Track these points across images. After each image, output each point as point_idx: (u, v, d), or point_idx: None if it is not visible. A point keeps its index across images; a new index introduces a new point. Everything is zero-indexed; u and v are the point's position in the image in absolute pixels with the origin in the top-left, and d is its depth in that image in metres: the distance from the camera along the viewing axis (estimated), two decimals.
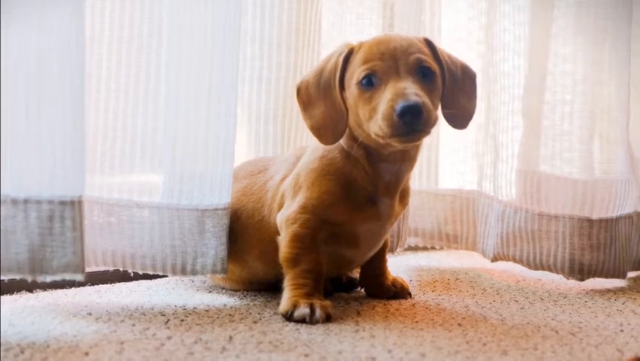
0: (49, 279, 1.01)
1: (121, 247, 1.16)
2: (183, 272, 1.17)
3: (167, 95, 1.16)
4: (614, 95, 1.45)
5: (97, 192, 1.15)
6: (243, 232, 1.20)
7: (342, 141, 1.14)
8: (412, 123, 1.01)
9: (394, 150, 1.11)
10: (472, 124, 1.60)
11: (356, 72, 1.08)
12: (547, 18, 1.46)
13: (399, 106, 1.00)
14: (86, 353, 0.89)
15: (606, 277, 1.42)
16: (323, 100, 1.12)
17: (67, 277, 1.01)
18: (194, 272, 1.17)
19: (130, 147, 1.18)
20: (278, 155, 1.33)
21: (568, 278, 1.42)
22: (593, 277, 1.41)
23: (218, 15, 1.15)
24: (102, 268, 1.25)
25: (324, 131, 1.12)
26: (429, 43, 1.13)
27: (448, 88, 1.13)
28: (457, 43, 1.65)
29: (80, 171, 1.03)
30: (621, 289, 1.40)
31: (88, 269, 1.24)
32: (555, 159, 1.46)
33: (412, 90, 1.02)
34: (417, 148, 1.15)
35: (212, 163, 1.17)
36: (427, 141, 1.63)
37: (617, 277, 1.43)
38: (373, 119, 1.04)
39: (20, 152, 0.99)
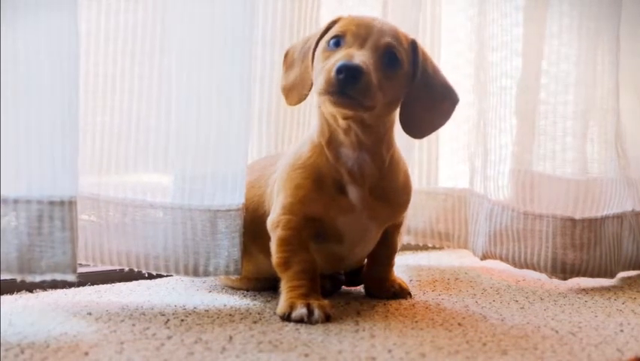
0: (38, 279, 1.00)
1: (135, 248, 1.16)
2: (196, 273, 1.17)
3: (179, 94, 1.16)
4: (605, 96, 1.46)
5: (112, 192, 1.16)
6: (250, 223, 1.20)
7: (315, 131, 1.14)
8: (345, 83, 1.01)
9: (345, 128, 1.10)
10: (467, 124, 1.62)
11: (329, 34, 1.10)
12: (541, 18, 1.46)
13: (338, 63, 1.01)
14: (86, 353, 0.89)
15: (591, 276, 1.42)
16: (300, 63, 1.14)
17: (58, 277, 1.01)
18: (206, 273, 1.17)
19: (143, 147, 1.18)
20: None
21: (550, 277, 1.43)
22: (576, 276, 1.42)
23: (228, 13, 1.14)
24: (106, 268, 1.26)
25: (292, 92, 1.15)
26: (413, 45, 1.13)
27: (415, 94, 1.12)
28: (457, 44, 1.65)
29: (71, 172, 1.02)
30: (621, 289, 1.40)
31: (100, 268, 1.25)
32: (542, 158, 1.47)
33: (360, 57, 1.03)
34: (373, 138, 1.12)
35: (224, 163, 1.17)
36: (419, 141, 1.63)
37: (604, 276, 1.43)
38: (320, 76, 1.05)
39: (10, 152, 0.99)
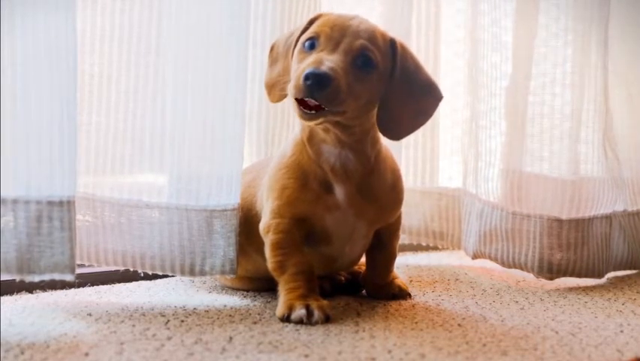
0: (37, 279, 1.00)
1: (131, 248, 1.17)
2: (192, 273, 1.17)
3: (175, 94, 1.16)
4: (593, 97, 1.46)
5: (108, 193, 1.16)
6: (246, 224, 1.20)
7: (298, 129, 1.14)
8: (312, 91, 1.00)
9: (323, 128, 1.10)
10: (463, 125, 1.61)
11: (305, 34, 1.10)
12: (531, 21, 1.46)
13: (307, 70, 1.01)
14: (86, 354, 0.89)
15: (578, 276, 1.43)
16: (283, 59, 1.14)
17: (57, 276, 1.01)
18: (202, 273, 1.17)
19: (139, 148, 1.18)
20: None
21: (537, 277, 1.43)
22: (563, 276, 1.42)
23: (224, 13, 1.14)
24: (106, 268, 1.26)
25: (274, 88, 1.15)
26: (392, 43, 1.11)
27: (393, 93, 1.10)
28: (457, 44, 1.65)
29: (69, 172, 1.02)
30: (621, 290, 1.40)
31: (100, 268, 1.26)
32: (531, 159, 1.47)
33: (329, 63, 1.02)
34: (354, 137, 1.11)
35: (219, 163, 1.17)
36: (411, 139, 1.63)
37: (592, 276, 1.44)
38: (292, 81, 1.05)
39: (9, 152, 0.99)
